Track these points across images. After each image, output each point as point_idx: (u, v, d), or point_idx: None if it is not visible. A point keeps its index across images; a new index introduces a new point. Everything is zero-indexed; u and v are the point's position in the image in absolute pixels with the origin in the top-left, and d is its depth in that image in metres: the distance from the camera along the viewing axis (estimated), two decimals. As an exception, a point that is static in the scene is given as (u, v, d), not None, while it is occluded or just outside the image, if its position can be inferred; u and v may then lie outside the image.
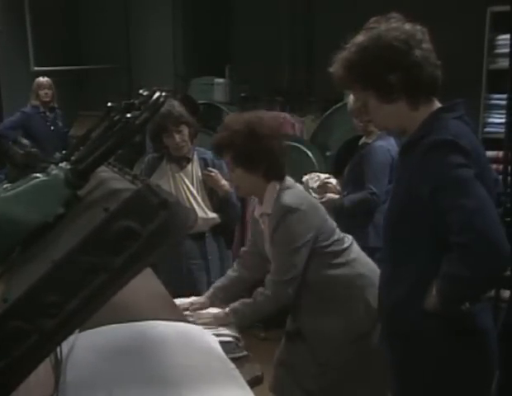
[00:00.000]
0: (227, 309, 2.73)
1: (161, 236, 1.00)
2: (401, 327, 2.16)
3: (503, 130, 4.37)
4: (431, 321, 2.06)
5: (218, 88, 6.35)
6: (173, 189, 3.63)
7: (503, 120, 4.56)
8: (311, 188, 3.97)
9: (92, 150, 1.21)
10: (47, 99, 6.66)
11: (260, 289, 2.72)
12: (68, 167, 1.21)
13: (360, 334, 2.71)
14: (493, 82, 5.10)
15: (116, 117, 1.30)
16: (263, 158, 2.71)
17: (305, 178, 4.01)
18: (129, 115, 1.19)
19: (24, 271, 1.18)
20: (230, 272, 3.05)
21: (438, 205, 1.94)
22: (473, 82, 4.99)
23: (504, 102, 4.59)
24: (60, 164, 1.25)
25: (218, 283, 3.01)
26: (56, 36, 7.90)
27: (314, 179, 4.04)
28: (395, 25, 2.11)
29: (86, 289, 1.00)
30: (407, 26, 2.12)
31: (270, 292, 2.68)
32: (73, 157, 1.29)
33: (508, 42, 4.25)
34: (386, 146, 4.22)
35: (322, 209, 2.82)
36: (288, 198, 2.69)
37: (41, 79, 6.67)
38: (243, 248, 3.15)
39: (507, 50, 4.27)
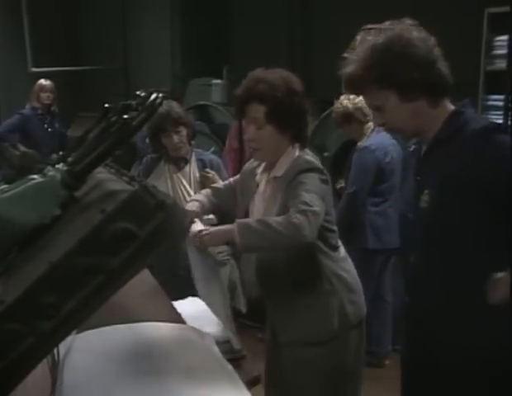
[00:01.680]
0: (234, 224, 2.36)
1: (158, 237, 1.00)
2: (454, 330, 2.08)
3: (500, 131, 4.38)
4: (490, 319, 1.99)
5: (216, 89, 6.36)
6: (171, 190, 3.64)
7: (500, 121, 4.57)
8: None
9: (89, 151, 1.20)
10: (48, 102, 6.66)
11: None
12: (65, 168, 1.21)
13: (331, 336, 2.57)
14: (490, 83, 5.11)
15: (113, 118, 1.29)
16: (297, 118, 2.53)
17: None
18: (126, 117, 1.18)
19: (21, 273, 1.18)
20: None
21: None
22: (471, 83, 5.00)
23: (501, 103, 4.61)
24: (57, 165, 1.24)
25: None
26: (54, 37, 7.91)
27: None
28: (412, 29, 2.12)
29: (83, 290, 1.00)
30: (422, 31, 2.14)
31: (296, 219, 2.26)
32: (69, 159, 1.29)
33: (505, 43, 4.27)
34: (373, 146, 4.25)
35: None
36: (310, 158, 2.51)
37: (44, 82, 6.67)
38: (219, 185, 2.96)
39: (504, 51, 4.29)
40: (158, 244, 1.00)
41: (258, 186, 2.64)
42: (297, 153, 2.55)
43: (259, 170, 2.67)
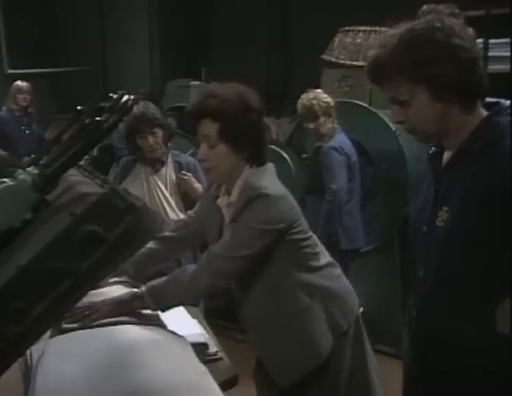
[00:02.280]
0: (142, 289, 2.29)
1: (127, 240, 0.99)
2: (461, 348, 1.93)
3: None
4: (498, 341, 1.85)
5: (194, 90, 6.33)
6: (147, 192, 3.62)
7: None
8: None
9: (61, 154, 1.19)
10: (25, 104, 6.62)
11: (191, 266, 2.37)
12: (36, 171, 1.20)
13: (323, 356, 2.37)
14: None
15: (87, 120, 1.28)
16: (252, 136, 2.31)
17: None
18: (98, 119, 1.17)
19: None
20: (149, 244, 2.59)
21: None
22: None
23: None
24: (28, 168, 1.23)
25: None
26: (31, 39, 7.84)
27: None
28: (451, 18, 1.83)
29: (51, 294, 0.99)
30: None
31: (207, 266, 2.29)
32: (41, 161, 1.28)
33: (481, 46, 4.31)
34: (338, 145, 4.27)
35: (295, 203, 2.42)
36: (257, 180, 2.30)
37: (20, 83, 6.62)
38: (182, 218, 2.82)
39: (481, 54, 4.32)
40: (128, 247, 0.99)
41: (220, 210, 2.46)
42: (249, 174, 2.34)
43: (221, 192, 2.48)
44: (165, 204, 3.62)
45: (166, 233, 2.67)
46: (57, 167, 1.18)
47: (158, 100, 5.86)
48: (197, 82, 6.35)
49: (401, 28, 1.84)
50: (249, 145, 2.31)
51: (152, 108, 3.61)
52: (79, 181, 1.27)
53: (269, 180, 2.35)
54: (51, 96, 8.16)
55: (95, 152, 6.20)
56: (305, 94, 4.41)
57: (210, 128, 2.28)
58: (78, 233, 0.97)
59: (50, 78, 8.02)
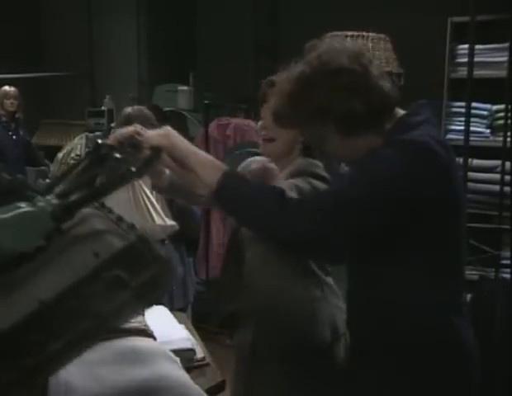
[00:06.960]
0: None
1: (150, 288, 1.03)
2: (390, 340, 1.99)
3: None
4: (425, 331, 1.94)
5: (182, 95, 6.35)
6: (132, 197, 3.60)
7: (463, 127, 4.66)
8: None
9: (79, 186, 1.21)
10: (12, 109, 6.60)
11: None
12: (56, 201, 1.20)
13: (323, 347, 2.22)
14: (454, 90, 5.21)
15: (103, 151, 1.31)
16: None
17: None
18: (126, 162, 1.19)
19: (3, 303, 1.16)
20: None
21: None
22: (436, 90, 5.10)
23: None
24: (47, 197, 1.22)
25: None
26: (16, 43, 7.78)
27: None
28: (340, 47, 1.86)
29: (72, 331, 1.00)
30: (351, 45, 1.93)
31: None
32: (57, 189, 1.28)
33: (468, 51, 4.37)
34: None
35: None
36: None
37: (7, 88, 6.60)
38: None
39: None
40: (149, 295, 1.03)
41: None
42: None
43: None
44: (151, 209, 3.60)
45: None
46: (79, 199, 1.18)
47: (158, 105, 5.84)
48: (185, 87, 6.36)
49: (290, 75, 1.88)
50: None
51: (147, 111, 3.70)
52: (91, 213, 1.28)
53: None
54: (38, 101, 8.10)
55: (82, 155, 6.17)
56: None
57: None
58: (103, 276, 1.00)
59: (37, 83, 7.96)
